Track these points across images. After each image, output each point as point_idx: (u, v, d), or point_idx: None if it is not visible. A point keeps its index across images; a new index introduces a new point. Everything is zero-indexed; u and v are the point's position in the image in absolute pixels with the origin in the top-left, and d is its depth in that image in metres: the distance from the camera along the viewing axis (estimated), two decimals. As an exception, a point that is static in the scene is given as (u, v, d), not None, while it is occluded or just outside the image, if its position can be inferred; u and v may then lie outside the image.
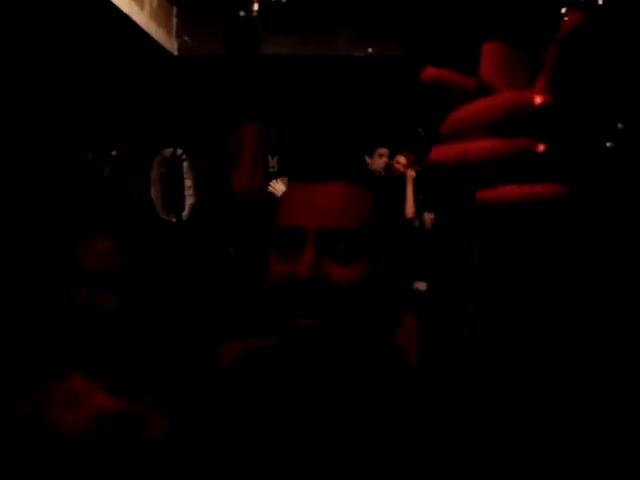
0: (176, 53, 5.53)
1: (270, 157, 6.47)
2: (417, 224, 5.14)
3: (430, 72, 0.59)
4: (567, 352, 0.60)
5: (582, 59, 0.54)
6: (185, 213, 5.49)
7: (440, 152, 0.53)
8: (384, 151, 5.67)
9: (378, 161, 5.52)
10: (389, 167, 5.65)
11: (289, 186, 1.03)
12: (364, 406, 0.96)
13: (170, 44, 5.47)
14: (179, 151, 5.57)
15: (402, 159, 5.74)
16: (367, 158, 5.46)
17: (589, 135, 0.55)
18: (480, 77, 0.56)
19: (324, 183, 0.97)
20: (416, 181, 5.86)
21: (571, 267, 0.55)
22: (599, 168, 0.56)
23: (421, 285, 4.70)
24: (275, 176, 6.40)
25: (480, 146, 0.52)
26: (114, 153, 4.92)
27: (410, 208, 5.08)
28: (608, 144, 0.67)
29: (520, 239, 0.53)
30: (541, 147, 0.50)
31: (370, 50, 6.11)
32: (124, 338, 1.53)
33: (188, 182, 5.61)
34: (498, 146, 0.51)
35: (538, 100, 0.51)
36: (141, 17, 4.84)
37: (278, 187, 5.17)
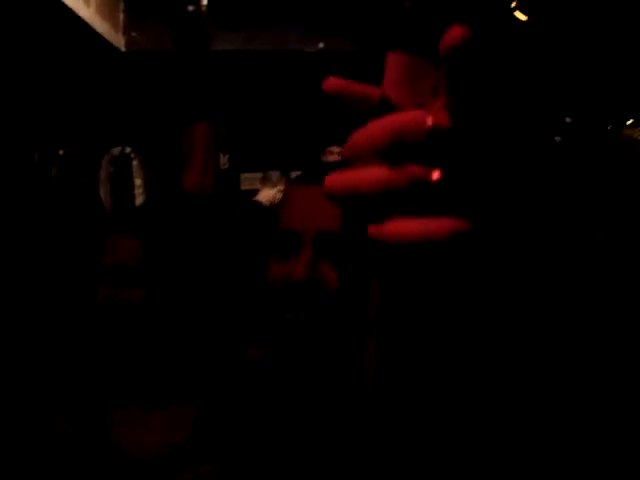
0: (123, 49, 5.45)
1: (221, 155, 6.43)
2: None
3: (331, 83, 0.54)
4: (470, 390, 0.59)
5: (476, 76, 0.49)
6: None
7: (333, 180, 0.49)
8: (336, 149, 5.66)
9: (330, 159, 5.51)
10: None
11: (287, 189, 1.07)
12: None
13: (117, 40, 5.39)
14: (128, 149, 5.50)
15: (335, 149, 5.71)
16: (320, 157, 5.44)
17: (491, 161, 0.49)
18: (383, 91, 0.51)
19: (319, 185, 0.97)
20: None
21: (474, 299, 0.52)
22: (503, 198, 0.50)
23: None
24: (227, 174, 6.36)
25: (370, 174, 0.47)
26: (61, 152, 4.83)
27: None
28: (511, 170, 0.56)
29: (418, 274, 0.49)
30: (435, 175, 0.45)
31: (321, 45, 6.10)
32: (154, 333, 1.51)
33: (138, 181, 5.54)
34: (387, 174, 0.46)
35: (429, 121, 0.45)
36: (87, 12, 4.75)
37: (264, 194, 5.12)
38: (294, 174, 5.07)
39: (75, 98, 5.00)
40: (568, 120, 7.60)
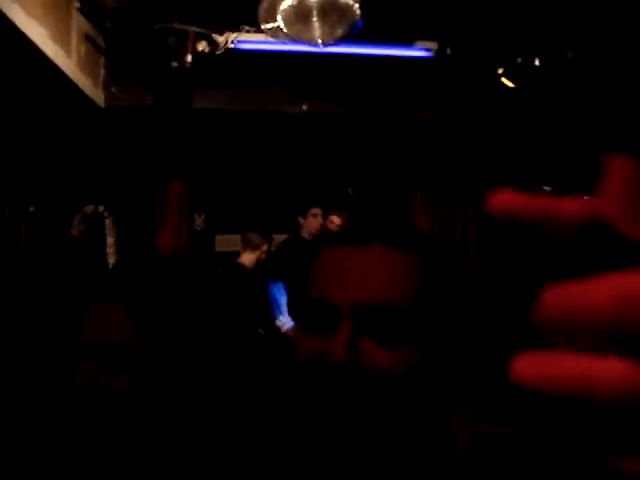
0: (103, 105, 5.29)
1: (196, 215, 6.29)
2: None
3: (503, 201, 0.37)
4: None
5: None
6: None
7: (529, 369, 0.31)
8: (318, 211, 5.56)
9: (312, 221, 5.40)
10: (323, 228, 5.53)
11: (321, 253, 0.87)
12: None
13: (97, 95, 5.24)
14: (101, 208, 5.31)
15: (336, 219, 5.65)
16: (300, 219, 5.32)
17: None
18: (598, 208, 0.37)
19: (362, 248, 0.82)
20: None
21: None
22: None
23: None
24: (201, 234, 6.20)
25: (602, 370, 0.30)
26: (32, 209, 4.62)
27: None
28: None
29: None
30: None
31: (304, 107, 6.03)
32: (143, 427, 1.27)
33: (110, 240, 5.34)
34: (631, 375, 0.29)
35: None
36: (67, 64, 4.61)
37: (247, 257, 4.96)
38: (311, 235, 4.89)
39: (49, 153, 4.83)
40: (547, 190, 7.62)
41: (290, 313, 0.90)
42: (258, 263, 5.05)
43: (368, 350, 0.78)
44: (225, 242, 6.34)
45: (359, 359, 0.77)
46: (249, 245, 5.04)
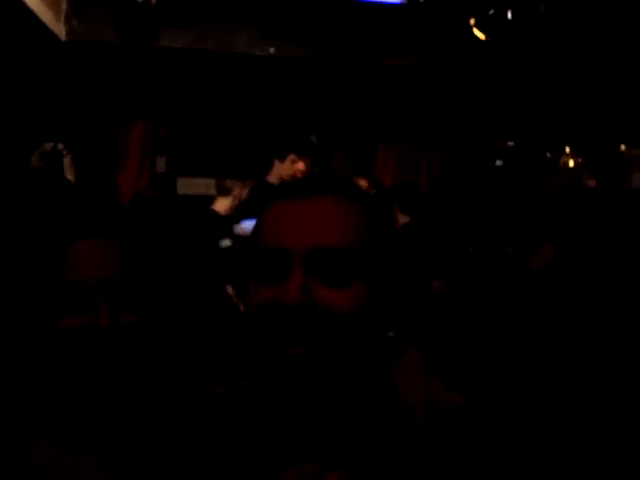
0: (64, 38, 5.14)
1: (158, 157, 6.21)
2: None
3: None
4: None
5: None
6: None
7: None
8: (295, 157, 5.44)
9: (290, 166, 5.29)
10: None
11: (270, 204, 0.91)
12: (353, 451, 0.87)
13: (58, 28, 5.08)
14: (60, 146, 5.20)
15: (301, 165, 5.60)
16: (277, 161, 5.20)
17: None
18: None
19: (311, 199, 0.87)
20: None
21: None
22: None
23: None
24: (163, 177, 6.13)
25: None
26: (-11, 145, 4.51)
27: None
28: None
29: None
30: None
31: (272, 50, 5.94)
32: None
33: (69, 178, 5.24)
34: None
35: None
36: (28, -5, 4.44)
37: (221, 203, 4.88)
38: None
39: (7, 86, 4.69)
40: (511, 145, 7.69)
41: (243, 268, 0.92)
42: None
43: (319, 291, 0.82)
44: (187, 185, 6.28)
45: (312, 300, 0.81)
46: (223, 191, 4.97)
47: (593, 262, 3.99)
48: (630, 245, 4.03)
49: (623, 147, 7.87)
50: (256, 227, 0.91)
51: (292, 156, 5.04)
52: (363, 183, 4.92)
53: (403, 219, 4.89)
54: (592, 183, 7.69)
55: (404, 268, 0.93)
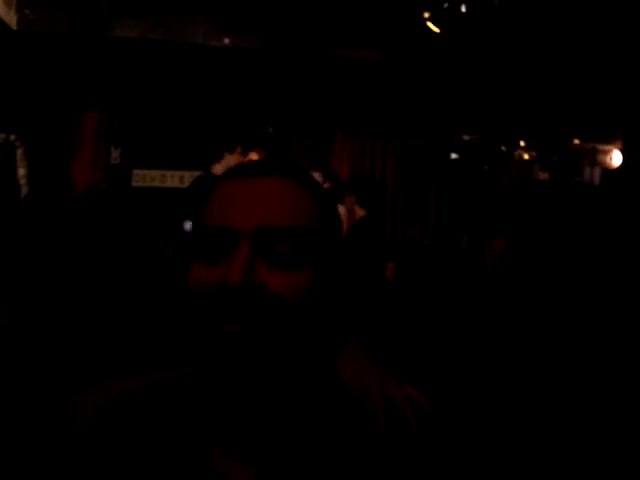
0: (15, 27, 5.09)
1: (113, 148, 6.17)
2: None
3: None
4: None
5: None
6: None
7: None
8: (239, 149, 5.50)
9: (238, 158, 5.33)
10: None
11: (220, 184, 0.89)
12: (295, 444, 0.85)
13: (9, 17, 5.05)
14: (12, 137, 5.15)
15: (254, 156, 5.63)
16: (227, 154, 5.24)
17: None
18: None
19: (259, 178, 0.85)
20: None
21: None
22: None
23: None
24: (117, 169, 6.11)
25: None
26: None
27: None
28: None
29: None
30: None
31: (227, 41, 5.95)
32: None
33: (22, 171, 5.20)
34: None
35: None
36: (-24, -18, 4.40)
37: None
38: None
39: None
40: (466, 138, 7.80)
41: (186, 244, 0.88)
42: None
43: (265, 272, 0.80)
44: (142, 177, 6.26)
45: (255, 281, 0.79)
46: None
47: (543, 255, 4.10)
48: (580, 238, 4.14)
49: (577, 141, 8.03)
50: (201, 205, 0.88)
51: (239, 148, 5.07)
52: (317, 176, 4.97)
53: (360, 212, 4.95)
54: (545, 177, 7.86)
55: (354, 258, 0.94)
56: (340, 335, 0.98)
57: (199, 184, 5.00)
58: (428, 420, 0.90)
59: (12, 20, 5.09)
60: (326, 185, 4.94)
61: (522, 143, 8.27)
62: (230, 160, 5.27)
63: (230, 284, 0.77)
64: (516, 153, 8.28)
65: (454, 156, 7.62)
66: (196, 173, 5.58)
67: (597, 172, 7.52)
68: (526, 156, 8.33)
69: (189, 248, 0.85)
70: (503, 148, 8.17)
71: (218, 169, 5.09)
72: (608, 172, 7.20)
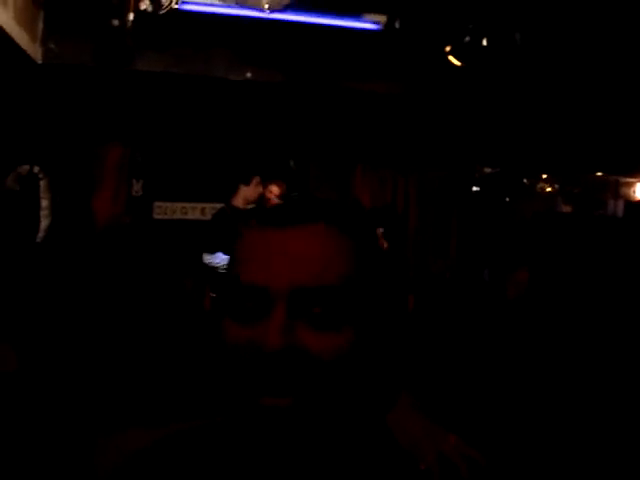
0: (40, 61, 5.19)
1: (134, 181, 6.23)
2: None
3: None
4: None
5: None
6: (40, 235, 5.12)
7: None
8: (259, 179, 5.56)
9: (253, 189, 5.39)
10: (261, 197, 5.54)
11: (249, 232, 0.80)
12: None
13: (34, 50, 5.14)
14: (36, 169, 5.22)
15: (275, 189, 5.68)
16: (242, 185, 5.30)
17: None
18: None
19: (296, 228, 0.77)
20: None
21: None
22: None
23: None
24: (139, 201, 6.17)
25: None
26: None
27: None
28: None
29: None
30: None
31: (249, 75, 6.02)
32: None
33: (45, 202, 5.26)
34: None
35: None
36: (3, 16, 4.49)
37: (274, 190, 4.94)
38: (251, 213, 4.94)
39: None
40: (487, 171, 7.80)
41: (220, 299, 0.82)
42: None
43: (304, 335, 0.74)
44: (163, 209, 6.32)
45: (294, 345, 0.73)
46: None
47: (566, 288, 4.07)
48: (603, 271, 4.11)
49: (600, 174, 8.01)
50: (232, 256, 0.82)
51: (256, 179, 5.11)
52: (275, 189, 5.03)
53: (383, 244, 4.96)
54: (568, 209, 7.84)
55: (394, 305, 0.86)
56: (389, 391, 0.93)
57: (221, 217, 5.04)
58: (481, 475, 0.87)
59: (37, 54, 5.20)
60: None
61: (544, 175, 8.27)
62: (247, 192, 5.31)
63: (266, 349, 0.72)
64: (538, 186, 8.28)
65: (475, 189, 7.62)
66: (217, 205, 5.64)
67: (620, 205, 7.49)
68: (548, 189, 8.32)
69: (221, 303, 0.80)
70: (525, 181, 8.16)
71: (238, 201, 5.14)
72: (632, 205, 7.16)
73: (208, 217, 5.98)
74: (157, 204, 6.31)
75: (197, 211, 6.49)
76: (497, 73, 6.05)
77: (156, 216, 6.25)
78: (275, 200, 5.46)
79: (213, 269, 4.67)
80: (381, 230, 5.10)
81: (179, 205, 6.43)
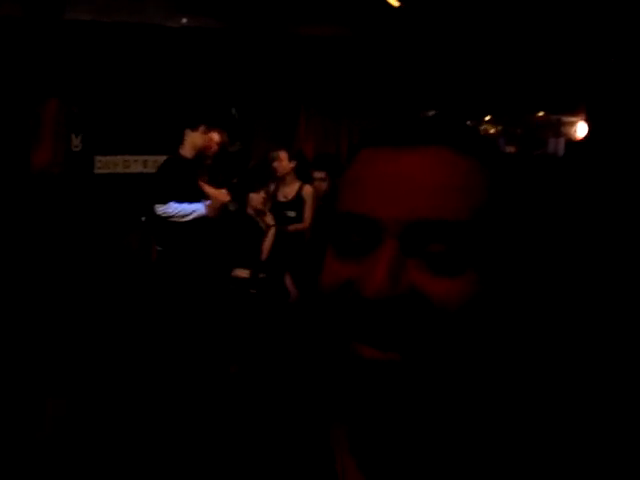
0: (-34, 13, 5.04)
1: (74, 136, 6.13)
2: (232, 208, 5.04)
3: None
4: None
5: None
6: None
7: None
8: (205, 127, 5.40)
9: (202, 137, 5.26)
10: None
11: (361, 155, 0.68)
12: None
13: (-41, 2, 4.96)
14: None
15: (215, 136, 5.57)
16: (189, 131, 5.17)
17: None
18: None
19: (417, 149, 0.64)
20: (229, 163, 5.77)
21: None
22: None
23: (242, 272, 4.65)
24: (79, 156, 6.09)
25: None
26: None
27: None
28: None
29: None
30: None
31: (184, 21, 5.92)
32: None
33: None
34: None
35: None
36: None
37: (255, 198, 4.88)
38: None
39: None
40: (431, 114, 7.85)
41: (324, 230, 0.71)
42: None
43: (416, 277, 0.62)
44: (105, 164, 6.23)
45: (404, 290, 0.62)
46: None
47: (510, 227, 4.15)
48: (543, 209, 4.20)
49: (542, 114, 8.13)
50: (343, 178, 0.70)
51: (202, 127, 5.02)
52: (283, 155, 4.99)
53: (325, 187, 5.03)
54: (511, 150, 7.95)
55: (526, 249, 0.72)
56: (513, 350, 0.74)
57: (169, 167, 4.95)
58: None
59: (-37, 6, 5.04)
60: (292, 164, 4.95)
61: (487, 117, 8.36)
62: (194, 138, 5.21)
63: (369, 292, 0.61)
64: (482, 128, 8.37)
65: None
66: (160, 157, 5.57)
67: (561, 144, 7.62)
68: (492, 130, 8.43)
69: (326, 234, 0.69)
70: (468, 122, 8.24)
71: (186, 151, 5.06)
72: (572, 143, 7.30)
73: (151, 170, 5.91)
74: (98, 158, 6.22)
75: (139, 164, 6.41)
76: (438, 14, 6.05)
77: (97, 170, 6.17)
78: (216, 148, 5.38)
79: (165, 219, 4.63)
80: (322, 174, 5.15)
81: (121, 158, 6.34)
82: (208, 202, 4.63)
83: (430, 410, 0.64)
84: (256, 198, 4.78)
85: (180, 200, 4.56)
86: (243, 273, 4.64)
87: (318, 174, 5.12)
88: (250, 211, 4.76)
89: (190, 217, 4.55)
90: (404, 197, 0.62)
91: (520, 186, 0.69)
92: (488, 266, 0.64)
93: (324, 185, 5.05)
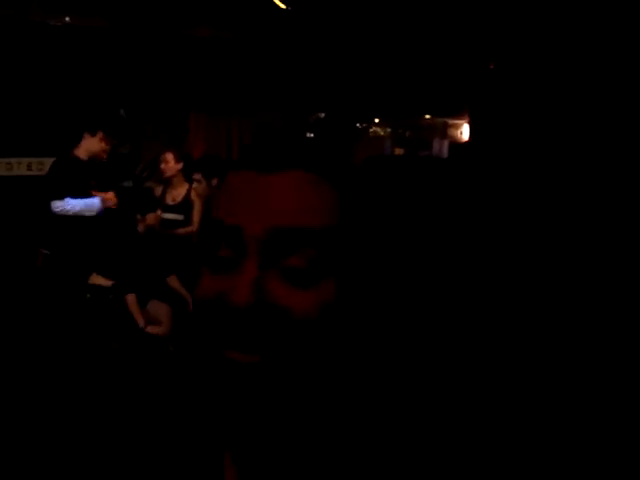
0: None
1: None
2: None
3: None
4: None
5: None
6: None
7: None
8: (103, 134, 5.26)
9: (99, 143, 5.12)
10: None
11: (230, 176, 0.76)
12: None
13: None
14: None
15: (107, 146, 5.45)
16: (87, 135, 5.01)
17: None
18: None
19: (278, 173, 0.72)
20: (119, 165, 5.69)
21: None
22: None
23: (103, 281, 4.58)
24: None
25: None
26: None
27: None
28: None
29: None
30: None
31: (67, 19, 5.79)
32: None
33: None
34: None
35: None
36: None
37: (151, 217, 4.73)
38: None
39: None
40: (321, 116, 7.94)
41: (199, 247, 0.78)
42: None
43: (275, 289, 0.69)
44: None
45: (264, 300, 0.68)
46: None
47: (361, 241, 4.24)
48: (426, 210, 4.32)
49: (428, 117, 8.34)
50: (215, 196, 0.77)
51: (101, 134, 4.92)
52: (170, 157, 4.95)
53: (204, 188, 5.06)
54: (400, 152, 8.14)
55: (378, 264, 0.78)
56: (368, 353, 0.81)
57: (61, 165, 4.79)
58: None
59: None
60: (179, 165, 4.91)
61: (377, 120, 8.52)
62: (91, 143, 5.06)
63: (236, 304, 0.67)
64: (371, 130, 8.52)
65: (309, 135, 7.74)
66: (45, 160, 5.42)
67: (445, 145, 7.86)
68: (381, 132, 8.59)
69: (199, 251, 0.76)
70: (358, 125, 8.38)
71: (80, 152, 4.92)
72: (455, 145, 7.54)
73: (35, 172, 5.76)
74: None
75: (23, 166, 6.22)
76: (326, 17, 6.13)
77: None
78: (105, 156, 5.26)
79: (57, 220, 4.53)
80: (199, 175, 5.16)
81: (3, 161, 6.14)
82: (102, 197, 4.66)
83: (288, 407, 0.71)
84: (152, 217, 4.74)
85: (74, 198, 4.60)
86: (104, 281, 4.54)
87: (196, 175, 5.14)
88: (141, 228, 4.70)
89: (87, 213, 4.57)
90: (263, 216, 0.69)
91: (370, 203, 0.76)
92: (343, 276, 0.71)
93: (200, 188, 5.06)
